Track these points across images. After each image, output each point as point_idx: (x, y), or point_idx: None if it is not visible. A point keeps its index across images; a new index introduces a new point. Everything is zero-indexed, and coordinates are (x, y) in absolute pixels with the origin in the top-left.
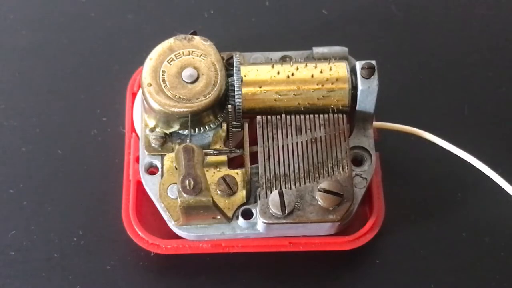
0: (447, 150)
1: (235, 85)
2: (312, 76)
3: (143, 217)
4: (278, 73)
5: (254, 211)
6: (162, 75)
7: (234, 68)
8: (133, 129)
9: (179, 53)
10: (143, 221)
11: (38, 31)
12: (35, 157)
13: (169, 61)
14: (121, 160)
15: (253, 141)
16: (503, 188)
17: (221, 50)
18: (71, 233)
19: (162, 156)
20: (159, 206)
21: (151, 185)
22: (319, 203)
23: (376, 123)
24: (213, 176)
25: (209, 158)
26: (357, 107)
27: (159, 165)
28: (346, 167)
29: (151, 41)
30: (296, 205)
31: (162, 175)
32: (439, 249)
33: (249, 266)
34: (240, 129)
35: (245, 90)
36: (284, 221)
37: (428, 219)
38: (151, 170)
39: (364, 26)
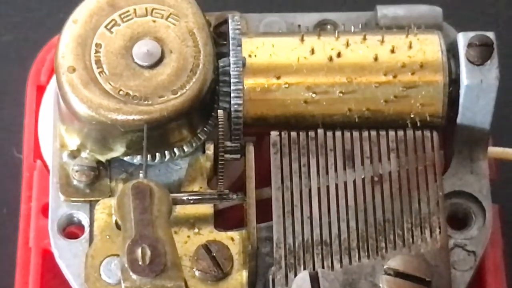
0: None
1: (232, 72)
2: (376, 58)
3: None
4: (313, 51)
5: None
6: (96, 52)
7: (230, 42)
8: (37, 154)
9: (128, 12)
10: None
11: None
12: None
13: (108, 27)
14: (14, 210)
15: (264, 180)
16: None
17: (208, 9)
18: None
19: (92, 205)
20: None
21: (69, 258)
22: None
23: (495, 150)
24: (187, 242)
25: (181, 209)
26: (459, 119)
27: (85, 222)
28: (437, 231)
29: None
30: None
31: (90, 240)
32: None
33: None
34: (239, 156)
35: (250, 82)
36: None
37: None
38: (71, 230)
39: None
